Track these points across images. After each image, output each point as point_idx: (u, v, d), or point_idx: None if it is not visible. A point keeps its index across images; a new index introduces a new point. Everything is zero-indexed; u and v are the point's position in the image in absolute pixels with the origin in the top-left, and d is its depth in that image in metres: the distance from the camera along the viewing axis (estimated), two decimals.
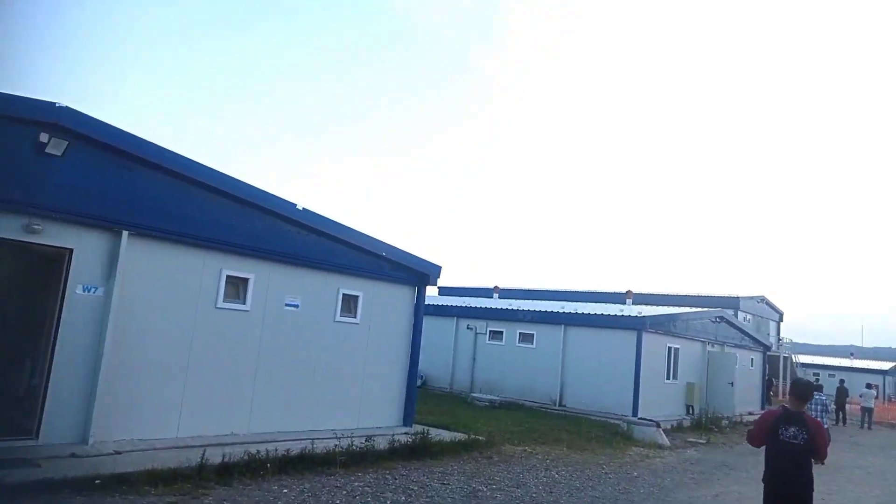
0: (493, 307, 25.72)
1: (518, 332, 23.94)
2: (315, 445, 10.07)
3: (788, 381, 36.32)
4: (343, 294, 12.37)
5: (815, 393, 16.27)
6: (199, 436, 10.09)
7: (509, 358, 23.89)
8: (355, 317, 12.62)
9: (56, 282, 8.89)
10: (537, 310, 24.07)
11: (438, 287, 50.17)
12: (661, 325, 22.64)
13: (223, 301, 10.52)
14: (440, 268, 13.88)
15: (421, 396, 21.97)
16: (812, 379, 47.09)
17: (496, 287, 33.24)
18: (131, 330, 9.37)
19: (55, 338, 8.66)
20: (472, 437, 12.98)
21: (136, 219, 9.32)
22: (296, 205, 11.16)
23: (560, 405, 22.00)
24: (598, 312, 22.85)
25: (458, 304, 26.58)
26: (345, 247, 12.22)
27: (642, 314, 22.07)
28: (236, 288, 10.76)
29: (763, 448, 6.38)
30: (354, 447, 10.39)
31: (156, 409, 9.69)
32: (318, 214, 11.58)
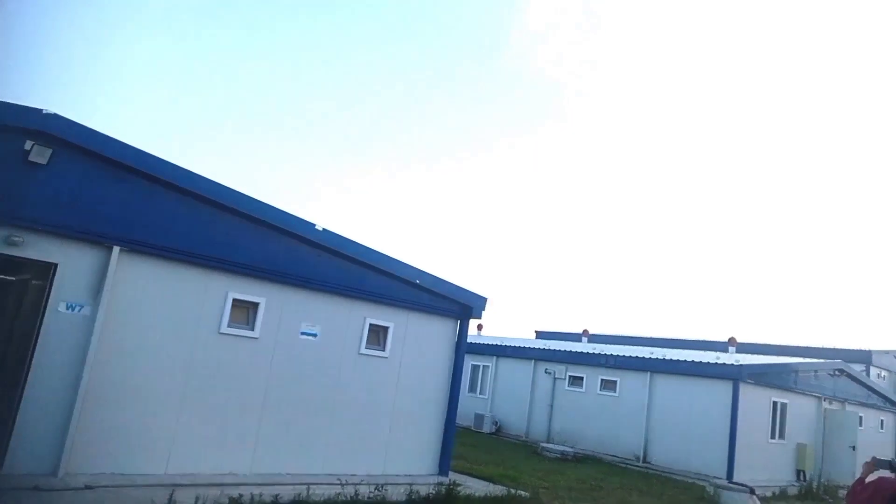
0: (574, 350, 23.83)
1: (600, 378, 21.95)
2: (312, 491, 8.96)
3: None
4: (370, 324, 11.31)
5: None
6: (192, 474, 9.24)
7: (589, 406, 21.91)
8: (384, 350, 11.52)
9: (38, 298, 8.40)
10: (621, 354, 22.00)
11: (535, 331, 48.35)
12: (764, 376, 19.97)
13: (228, 326, 9.73)
14: (485, 299, 12.56)
15: (489, 444, 20.52)
16: None
17: (585, 331, 31.19)
18: (119, 353, 8.72)
19: (31, 357, 8.11)
20: (513, 492, 11.39)
21: (129, 234, 8.75)
22: (314, 224, 10.32)
23: (644, 461, 19.74)
24: (688, 359, 20.50)
25: (537, 347, 24.90)
26: (372, 272, 11.21)
27: (740, 362, 19.55)
28: (245, 312, 9.96)
29: None
30: (360, 496, 9.18)
31: (143, 442, 8.92)
32: (339, 236, 10.67)
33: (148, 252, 8.95)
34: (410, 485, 10.08)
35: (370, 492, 9.31)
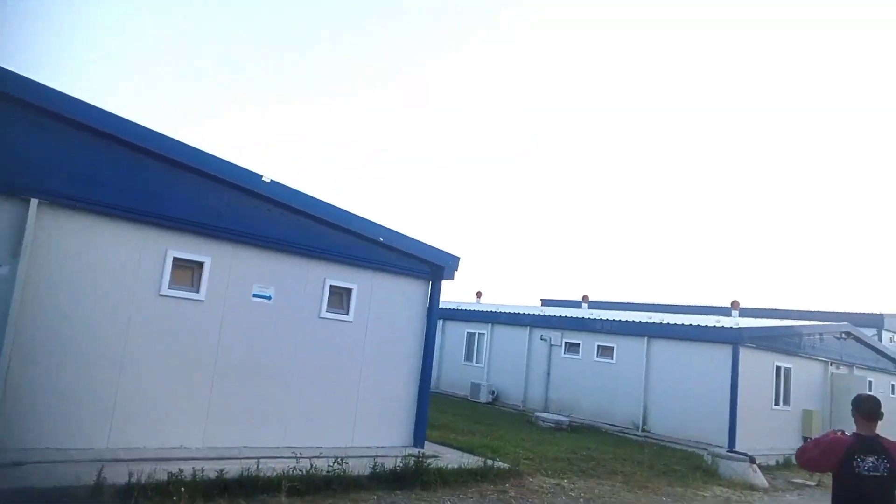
0: (569, 316, 22.97)
1: (596, 344, 21.10)
2: (265, 465, 8.18)
3: None
4: (331, 286, 10.47)
5: None
6: (137, 447, 8.52)
7: (586, 374, 21.08)
8: (348, 313, 10.68)
9: None
10: (616, 319, 21.12)
11: (540, 299, 47.44)
12: (765, 340, 19.04)
13: (169, 288, 8.91)
14: (458, 258, 11.69)
15: (483, 414, 19.78)
16: None
17: (584, 297, 30.26)
18: (47, 316, 7.93)
19: None
20: (490, 464, 10.60)
21: (48, 185, 7.88)
22: (261, 176, 9.43)
23: (643, 430, 18.95)
24: (686, 323, 19.60)
25: (532, 313, 24.05)
26: (331, 230, 10.34)
27: (740, 325, 18.64)
28: (188, 273, 9.13)
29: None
30: (317, 471, 8.40)
31: (79, 414, 8.15)
32: (291, 189, 9.79)
33: (72, 206, 8.10)
34: (376, 457, 9.31)
35: (329, 465, 8.54)
